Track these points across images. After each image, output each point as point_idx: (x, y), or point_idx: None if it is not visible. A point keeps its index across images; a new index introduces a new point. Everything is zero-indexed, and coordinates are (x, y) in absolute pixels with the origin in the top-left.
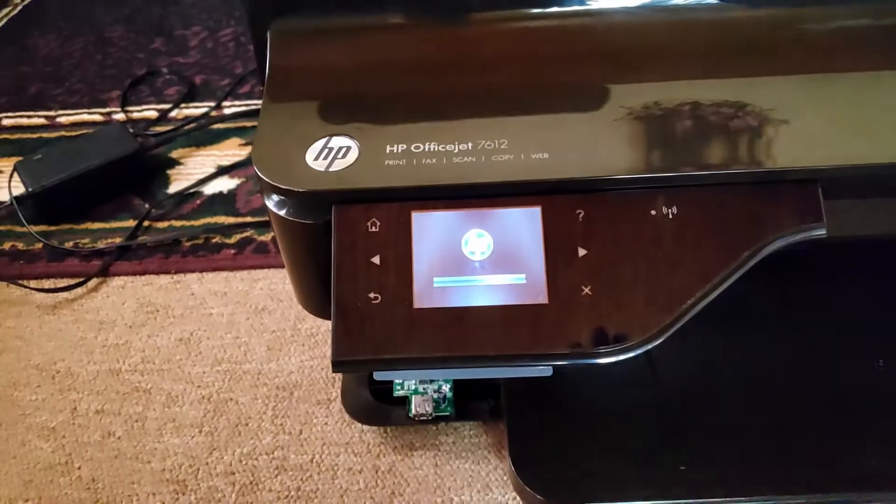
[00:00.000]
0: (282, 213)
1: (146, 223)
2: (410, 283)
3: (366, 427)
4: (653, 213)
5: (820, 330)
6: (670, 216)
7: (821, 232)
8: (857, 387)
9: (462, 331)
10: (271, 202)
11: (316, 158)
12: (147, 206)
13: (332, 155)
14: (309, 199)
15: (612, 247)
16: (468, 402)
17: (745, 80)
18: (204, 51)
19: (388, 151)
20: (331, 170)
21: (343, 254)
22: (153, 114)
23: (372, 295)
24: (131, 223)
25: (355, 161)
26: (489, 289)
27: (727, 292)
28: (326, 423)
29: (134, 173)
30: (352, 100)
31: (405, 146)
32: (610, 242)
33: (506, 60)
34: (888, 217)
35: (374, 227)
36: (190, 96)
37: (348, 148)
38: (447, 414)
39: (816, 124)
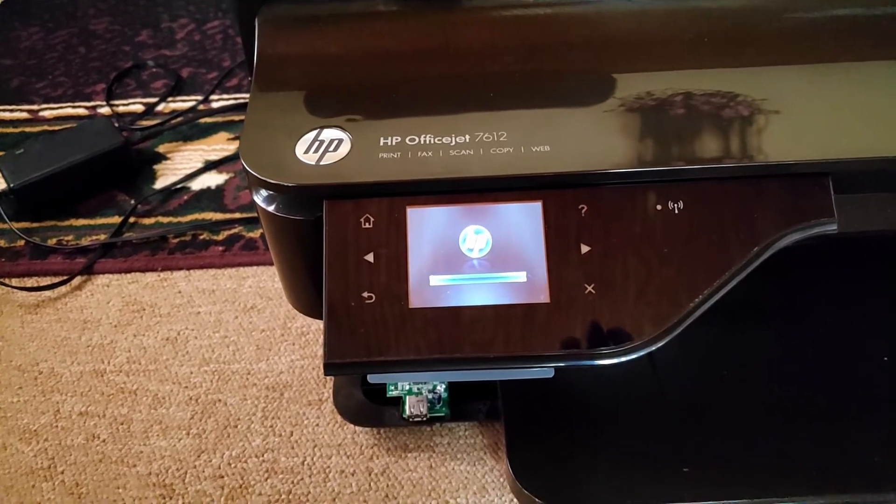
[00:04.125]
0: (271, 208)
1: (132, 219)
2: (406, 282)
3: (358, 428)
4: (658, 207)
5: (825, 327)
6: (677, 211)
7: (832, 227)
8: (863, 385)
9: (460, 331)
10: (259, 197)
11: (306, 151)
12: (133, 201)
13: (324, 148)
14: (299, 194)
15: (617, 243)
16: (463, 403)
17: (754, 70)
18: (191, 43)
19: (381, 144)
20: (322, 163)
21: (335, 251)
22: (139, 107)
23: (365, 294)
24: (117, 219)
25: (347, 154)
26: (488, 287)
27: (731, 289)
28: (318, 425)
29: (119, 168)
30: (344, 90)
31: (399, 138)
32: (614, 238)
33: (504, 49)
34: None
35: (367, 224)
36: (177, 90)
37: (340, 140)
38: (442, 415)
39: (828, 115)
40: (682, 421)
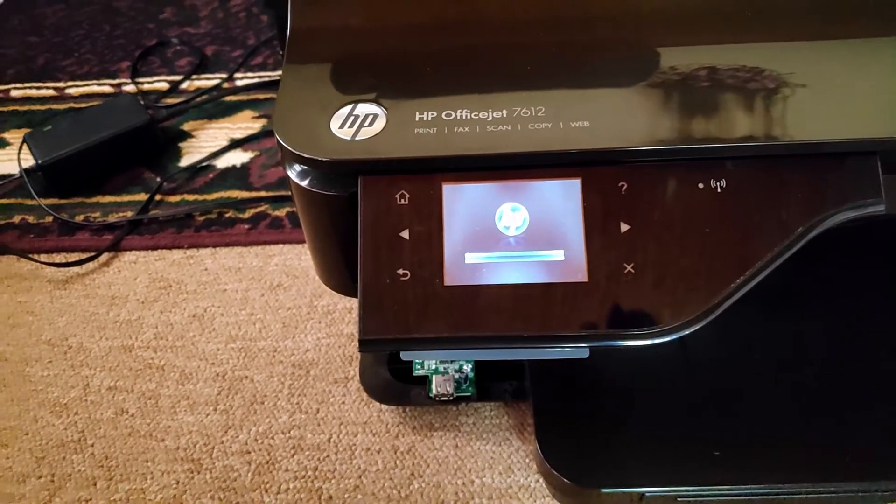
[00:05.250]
0: (304, 183)
1: (158, 197)
2: (441, 259)
3: (384, 407)
4: (700, 186)
5: (863, 313)
6: (719, 189)
7: (879, 208)
8: None
9: (495, 310)
10: (293, 172)
11: (341, 126)
12: (158, 179)
13: (359, 123)
14: (334, 169)
15: (657, 222)
16: (490, 383)
17: (801, 45)
18: (214, 21)
19: (417, 119)
20: (357, 138)
21: (370, 228)
22: (164, 85)
23: (401, 271)
24: (143, 197)
25: (383, 129)
26: (525, 266)
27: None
28: (344, 403)
29: (145, 146)
30: (378, 64)
31: (435, 114)
32: (655, 217)
33: (543, 22)
34: None
35: (402, 200)
36: (201, 68)
37: (375, 115)
38: (468, 394)
39: (876, 93)
40: (712, 404)
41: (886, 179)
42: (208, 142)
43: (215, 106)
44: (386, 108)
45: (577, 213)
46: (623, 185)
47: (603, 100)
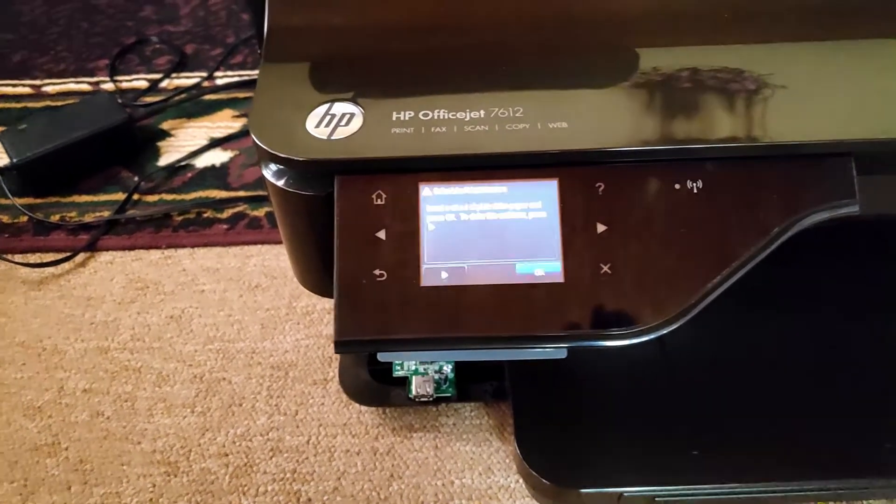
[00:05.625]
0: (280, 183)
1: (135, 196)
2: (418, 260)
3: (364, 408)
4: (677, 187)
5: (840, 311)
6: (695, 190)
7: (853, 209)
8: (876, 370)
9: (472, 310)
10: (269, 172)
11: (317, 126)
12: (136, 178)
13: (335, 122)
14: (310, 169)
15: (634, 223)
16: (470, 383)
17: (777, 47)
18: (195, 19)
19: (394, 119)
20: (333, 138)
21: (346, 228)
22: (143, 84)
23: (377, 272)
24: (120, 196)
25: (360, 129)
26: (502, 266)
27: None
28: (323, 404)
29: (123, 145)
30: (356, 63)
31: (413, 113)
32: (631, 218)
33: (522, 22)
34: None
35: (379, 200)
36: (181, 66)
37: (352, 115)
38: (448, 395)
39: (850, 95)
40: (691, 403)
41: (860, 180)
42: (187, 141)
43: (195, 105)
44: (363, 108)
45: (555, 213)
46: (600, 186)
47: (580, 101)
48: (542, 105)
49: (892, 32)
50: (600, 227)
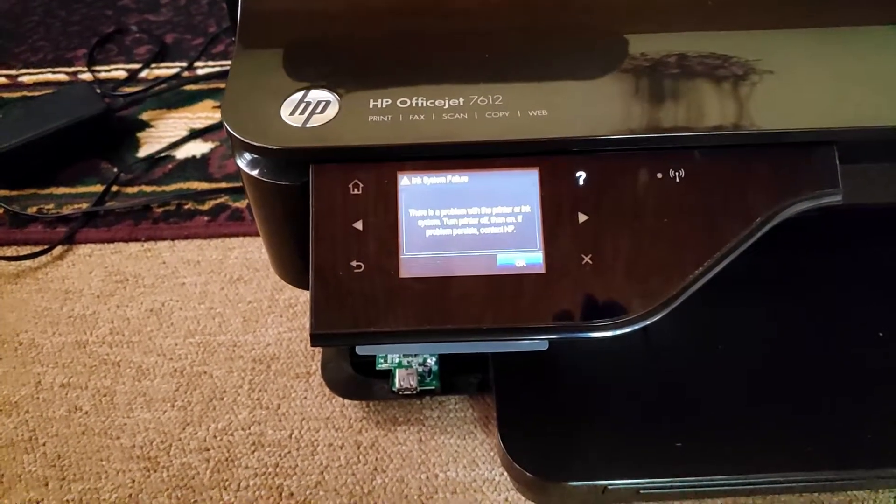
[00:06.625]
0: (254, 173)
1: (114, 188)
2: (396, 251)
3: (347, 401)
4: (659, 176)
5: (821, 302)
6: (678, 179)
7: (836, 198)
8: (855, 361)
9: (452, 302)
10: (243, 161)
11: (292, 113)
12: (115, 170)
13: (310, 109)
14: (284, 157)
15: (616, 212)
16: (454, 376)
17: (760, 33)
18: (175, 8)
19: (371, 106)
20: (308, 126)
21: (322, 218)
22: (122, 73)
23: (354, 263)
24: (99, 188)
25: (335, 116)
26: (481, 257)
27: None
28: (306, 398)
29: (102, 136)
30: (332, 49)
31: (390, 100)
32: (613, 207)
33: (503, 8)
34: None
35: (356, 190)
36: (161, 56)
37: (328, 102)
38: (432, 388)
39: (834, 82)
40: (674, 395)
41: (844, 169)
42: (167, 132)
43: (175, 95)
44: (339, 95)
45: (535, 203)
46: (581, 176)
47: (561, 88)
48: (522, 92)
49: (875, 19)
50: (582, 217)
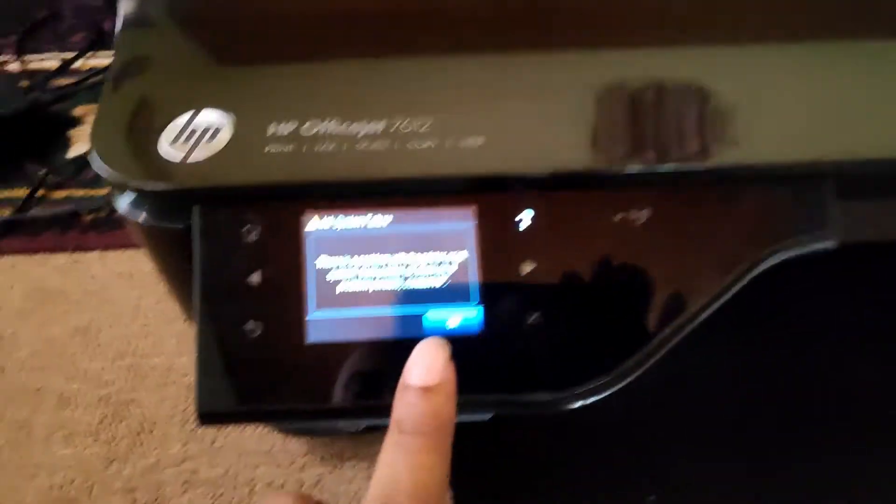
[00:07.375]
0: (133, 215)
1: (41, 192)
2: (301, 310)
3: (289, 435)
4: (618, 217)
5: (799, 348)
6: (640, 222)
7: (829, 243)
8: (835, 408)
9: (370, 372)
10: (119, 201)
11: (174, 142)
12: (43, 171)
13: (196, 137)
14: (162, 199)
15: (568, 261)
16: None
17: (740, 50)
18: None
19: (270, 133)
20: (192, 160)
21: (210, 271)
22: (54, 63)
23: (250, 326)
24: (23, 192)
25: (226, 146)
26: (406, 318)
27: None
28: (244, 431)
29: (27, 133)
30: (225, 62)
31: (294, 125)
32: (564, 255)
33: (432, 13)
34: None
35: (251, 236)
36: (98, 44)
37: (218, 128)
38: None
39: (823, 108)
40: (648, 446)
41: (838, 207)
42: None
43: None
44: (231, 118)
45: (471, 250)
46: (526, 217)
47: (502, 112)
48: (454, 116)
49: (871, 34)
50: (527, 267)
